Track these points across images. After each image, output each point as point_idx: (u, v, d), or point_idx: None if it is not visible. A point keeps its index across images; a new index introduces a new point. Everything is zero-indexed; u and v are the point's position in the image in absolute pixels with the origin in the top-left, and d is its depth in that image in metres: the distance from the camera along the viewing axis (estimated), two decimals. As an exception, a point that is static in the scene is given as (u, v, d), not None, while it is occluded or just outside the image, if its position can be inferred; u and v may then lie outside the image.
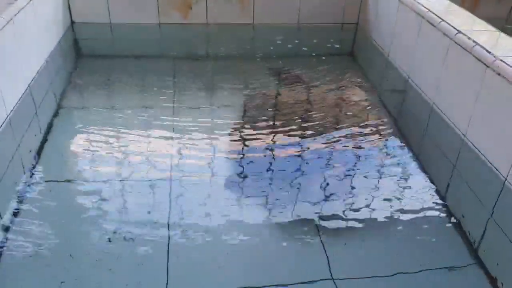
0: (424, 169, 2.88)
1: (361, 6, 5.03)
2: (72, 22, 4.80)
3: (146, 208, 2.45)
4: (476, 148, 2.84)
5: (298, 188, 2.66)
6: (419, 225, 2.43)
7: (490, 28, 3.18)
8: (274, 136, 3.15)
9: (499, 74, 2.62)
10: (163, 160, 2.84)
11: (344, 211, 2.49)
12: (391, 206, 2.55)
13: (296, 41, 4.84)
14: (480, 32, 3.08)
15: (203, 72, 4.13)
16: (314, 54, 4.54)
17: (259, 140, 3.10)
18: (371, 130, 3.28)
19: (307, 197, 2.59)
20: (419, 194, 2.66)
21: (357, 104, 3.65)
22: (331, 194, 2.62)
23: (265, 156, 2.94)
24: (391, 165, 2.91)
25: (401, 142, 3.17)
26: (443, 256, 2.25)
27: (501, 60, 2.64)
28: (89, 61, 4.35)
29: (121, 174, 2.71)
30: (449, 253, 2.28)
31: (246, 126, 3.26)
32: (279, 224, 2.39)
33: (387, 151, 3.07)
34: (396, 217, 2.47)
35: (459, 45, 3.04)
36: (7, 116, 3.02)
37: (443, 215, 2.51)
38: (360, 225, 2.41)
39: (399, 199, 2.61)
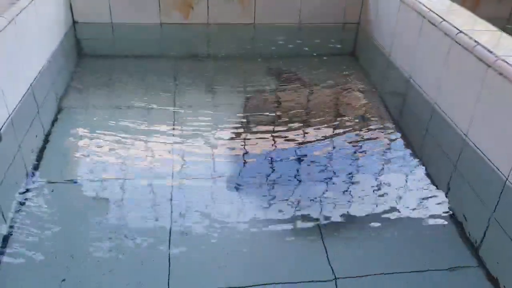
0: (425, 169, 2.87)
1: (362, 6, 5.03)
2: (74, 22, 4.82)
3: (147, 208, 2.45)
4: (477, 148, 2.84)
5: (299, 188, 2.66)
6: (420, 225, 2.43)
7: (492, 28, 3.18)
8: (274, 136, 3.15)
9: (500, 74, 2.62)
10: (164, 160, 2.84)
11: (344, 211, 2.49)
12: (392, 205, 2.54)
13: (297, 41, 4.84)
14: (481, 32, 3.08)
15: (204, 72, 4.13)
16: (315, 54, 4.53)
17: (260, 141, 3.10)
18: (372, 130, 3.27)
19: (308, 197, 2.58)
20: (420, 193, 2.66)
21: (358, 104, 3.65)
22: (332, 194, 2.62)
23: (265, 156, 2.94)
24: (392, 165, 2.91)
25: (402, 142, 3.16)
26: (444, 256, 2.25)
27: (502, 60, 2.64)
28: (90, 61, 4.36)
29: (122, 174, 2.71)
30: (449, 253, 2.28)
31: (246, 126, 3.27)
32: (279, 224, 2.39)
33: (388, 151, 3.06)
34: (397, 217, 2.47)
35: (460, 45, 3.04)
36: (9, 116, 3.03)
37: (444, 214, 2.51)
38: (360, 225, 2.41)
39: (400, 198, 2.60)
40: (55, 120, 3.25)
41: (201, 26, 4.95)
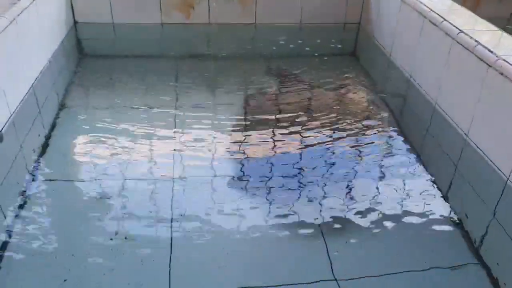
0: (426, 169, 2.87)
1: (363, 6, 5.03)
2: (75, 22, 4.82)
3: (148, 208, 2.46)
4: (478, 148, 2.83)
5: (299, 188, 2.66)
6: (421, 225, 2.43)
7: (492, 27, 3.18)
8: (275, 136, 3.15)
9: (501, 74, 2.62)
10: (165, 160, 2.84)
11: (345, 211, 2.49)
12: (392, 205, 2.54)
13: (298, 41, 4.84)
14: (482, 31, 3.07)
15: (205, 72, 4.13)
16: (316, 54, 4.53)
17: (261, 141, 3.10)
18: (373, 130, 3.27)
19: (308, 198, 2.59)
20: (421, 193, 2.66)
21: (359, 104, 3.65)
22: (333, 194, 2.62)
23: (266, 156, 2.94)
24: (393, 165, 2.91)
25: (403, 141, 3.16)
26: (444, 256, 2.25)
27: (503, 60, 2.64)
28: (91, 61, 4.36)
29: (124, 173, 2.71)
30: (450, 253, 2.28)
31: (247, 126, 3.27)
32: (280, 224, 2.39)
33: (389, 150, 3.06)
34: (397, 217, 2.47)
35: (461, 44, 3.04)
36: (11, 116, 3.04)
37: (445, 214, 2.51)
38: (361, 225, 2.41)
39: (401, 198, 2.60)
40: (56, 120, 3.26)
41: (202, 26, 4.95)
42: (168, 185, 2.64)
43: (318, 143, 3.09)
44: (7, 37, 3.05)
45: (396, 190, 2.67)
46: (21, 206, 2.42)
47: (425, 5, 3.63)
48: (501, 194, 2.52)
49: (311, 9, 5.01)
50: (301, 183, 2.70)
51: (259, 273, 2.11)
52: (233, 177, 2.73)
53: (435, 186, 2.73)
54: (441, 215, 2.50)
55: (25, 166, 2.75)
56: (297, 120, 3.35)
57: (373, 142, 3.12)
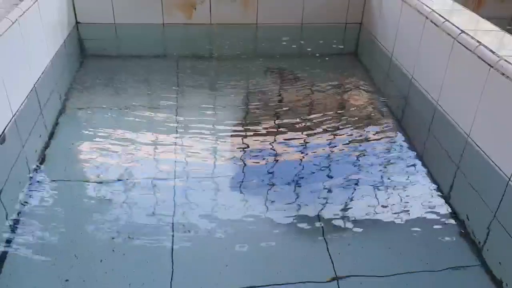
0: (427, 169, 2.87)
1: (365, 6, 5.03)
2: (77, 23, 4.83)
3: (150, 209, 2.46)
4: (480, 148, 2.83)
5: (301, 188, 2.67)
6: (423, 225, 2.43)
7: (494, 28, 3.18)
8: (276, 136, 3.16)
9: (503, 74, 2.62)
10: (167, 160, 2.85)
11: (347, 211, 2.50)
12: (394, 206, 2.54)
13: (300, 41, 4.85)
14: (484, 32, 3.07)
15: (207, 72, 4.14)
16: (317, 54, 4.54)
17: (262, 141, 3.10)
18: (375, 130, 3.28)
19: (310, 197, 2.59)
20: (423, 194, 2.66)
21: (360, 104, 3.65)
22: (334, 194, 2.62)
23: (267, 156, 2.94)
24: (394, 165, 2.91)
25: (404, 142, 3.16)
26: (446, 256, 2.25)
27: (505, 60, 2.64)
28: (93, 61, 4.37)
29: (125, 174, 2.72)
30: (452, 253, 2.28)
31: (249, 126, 3.27)
32: (282, 224, 2.39)
33: (390, 151, 3.06)
34: (399, 217, 2.47)
35: (463, 45, 3.04)
36: (13, 117, 3.05)
37: (446, 215, 2.51)
38: (363, 225, 2.41)
39: (402, 199, 2.60)
40: (58, 120, 3.27)
41: (203, 26, 4.96)
42: (170, 185, 2.64)
43: (319, 143, 3.09)
44: (9, 38, 3.06)
45: (398, 191, 2.67)
46: (23, 206, 2.42)
47: (426, 6, 3.63)
48: (503, 195, 2.52)
49: (312, 9, 5.02)
50: (302, 183, 2.70)
51: (261, 273, 2.11)
52: (235, 176, 2.74)
53: (437, 186, 2.72)
54: (443, 215, 2.50)
55: (27, 166, 2.76)
56: (298, 120, 3.35)
57: (374, 143, 3.12)
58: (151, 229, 2.33)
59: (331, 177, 2.76)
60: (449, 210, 2.54)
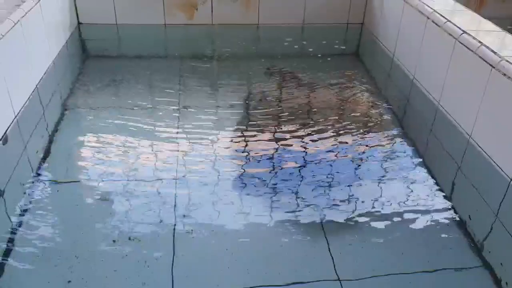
0: (429, 169, 2.87)
1: (366, 6, 5.03)
2: (79, 23, 4.84)
3: (151, 209, 2.47)
4: (482, 149, 2.83)
5: (302, 189, 2.67)
6: (424, 226, 2.43)
7: (496, 28, 3.17)
8: (277, 135, 3.16)
9: (504, 75, 2.61)
10: (168, 160, 2.85)
11: (348, 211, 2.50)
12: (396, 206, 2.54)
13: (301, 42, 4.85)
14: (485, 32, 3.07)
15: (208, 72, 4.14)
16: (319, 55, 4.54)
17: (263, 141, 3.10)
18: (376, 130, 3.27)
19: (311, 198, 2.59)
20: (424, 194, 2.66)
21: (362, 104, 3.65)
22: (335, 195, 2.62)
23: (268, 156, 2.95)
24: (396, 165, 2.90)
25: (406, 142, 3.16)
26: (448, 257, 2.25)
27: (507, 61, 2.63)
28: (95, 61, 4.38)
29: (127, 174, 2.73)
30: (454, 254, 2.28)
31: (250, 126, 3.27)
32: (283, 224, 2.40)
33: (391, 151, 3.06)
34: (401, 217, 2.47)
35: (464, 45, 3.03)
36: (15, 117, 3.06)
37: (448, 215, 2.51)
38: (365, 225, 2.41)
39: (404, 199, 2.60)
40: (60, 120, 3.27)
41: (205, 26, 4.96)
42: (171, 185, 2.65)
43: (320, 144, 3.09)
44: (11, 39, 3.07)
45: (399, 191, 2.67)
46: (25, 207, 2.43)
47: (428, 6, 3.63)
48: (504, 195, 2.52)
49: (314, 10, 5.02)
50: (303, 183, 2.70)
51: (264, 273, 2.11)
52: (236, 177, 2.74)
53: (438, 186, 2.72)
54: (444, 216, 2.50)
55: (29, 166, 2.77)
56: (299, 120, 3.35)
57: (375, 143, 3.12)
58: (152, 229, 2.33)
59: (332, 177, 2.76)
60: (451, 210, 2.54)
